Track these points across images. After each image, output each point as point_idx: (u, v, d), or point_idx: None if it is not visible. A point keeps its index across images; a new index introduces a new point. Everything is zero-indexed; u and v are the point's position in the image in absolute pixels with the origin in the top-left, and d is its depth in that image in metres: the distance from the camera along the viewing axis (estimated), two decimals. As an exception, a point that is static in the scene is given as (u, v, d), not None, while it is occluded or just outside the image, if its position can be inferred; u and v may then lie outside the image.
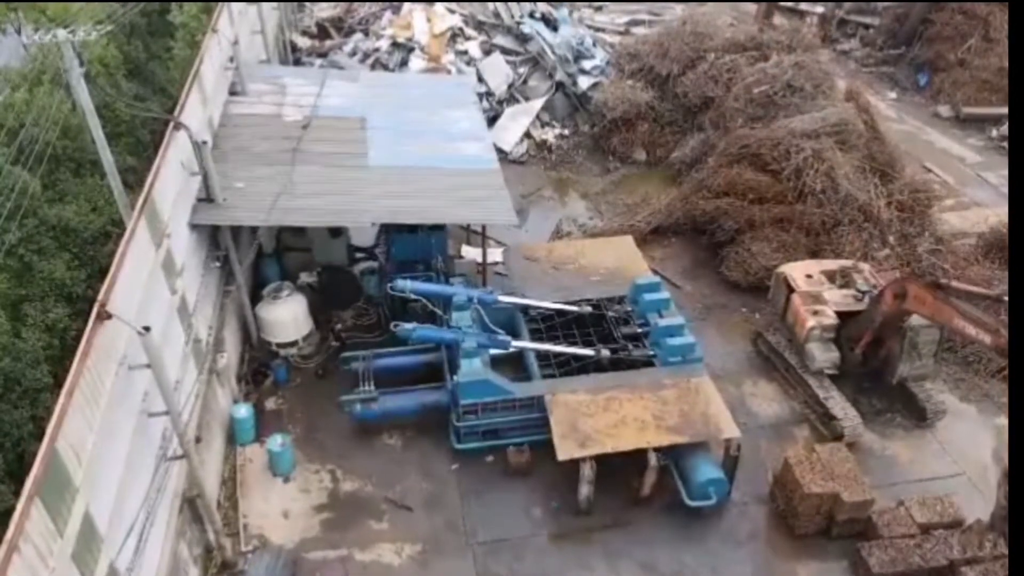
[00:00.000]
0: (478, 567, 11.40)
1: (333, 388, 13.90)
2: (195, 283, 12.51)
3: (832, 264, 15.03)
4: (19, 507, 6.44)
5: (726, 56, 19.79)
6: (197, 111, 14.05)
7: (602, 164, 21.88)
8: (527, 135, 22.57)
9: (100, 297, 8.48)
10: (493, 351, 13.04)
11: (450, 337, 12.53)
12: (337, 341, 14.55)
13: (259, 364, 14.60)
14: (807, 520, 11.54)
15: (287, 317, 14.62)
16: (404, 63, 24.55)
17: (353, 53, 25.26)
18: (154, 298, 10.36)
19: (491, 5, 25.80)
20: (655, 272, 17.19)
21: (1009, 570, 8.39)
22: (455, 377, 12.25)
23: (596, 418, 12.07)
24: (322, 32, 28.54)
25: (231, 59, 16.76)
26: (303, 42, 27.40)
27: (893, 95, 26.27)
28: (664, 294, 14.11)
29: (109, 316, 8.39)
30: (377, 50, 24.80)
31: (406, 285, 13.00)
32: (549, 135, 22.61)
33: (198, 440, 11.38)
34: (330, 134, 16.03)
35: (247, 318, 14.67)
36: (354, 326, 15.17)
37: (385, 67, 24.41)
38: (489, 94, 23.36)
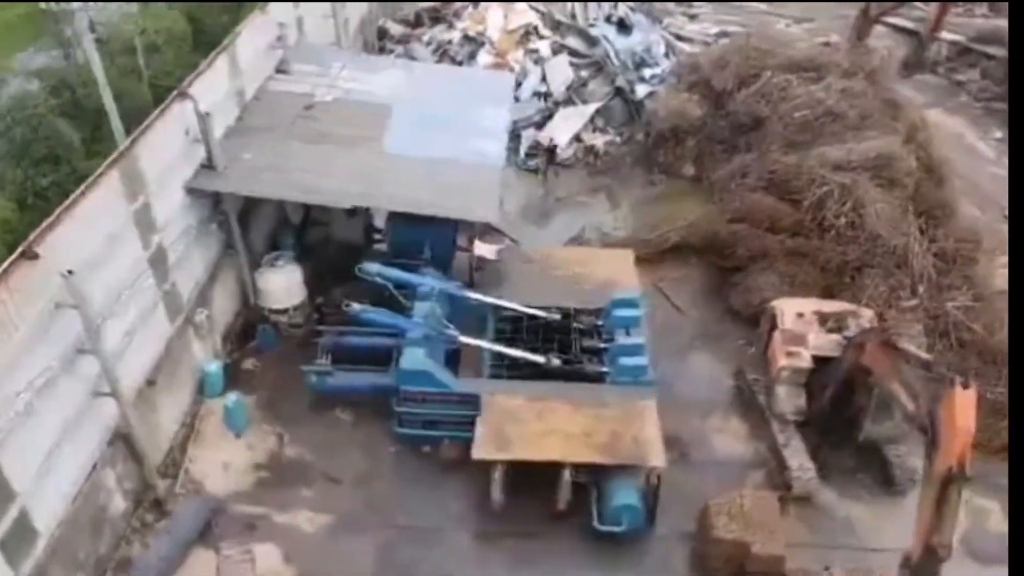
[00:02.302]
0: (382, 549, 11.70)
1: (308, 358, 14.55)
2: (183, 241, 13.45)
3: (831, 306, 14.06)
4: None
5: (782, 75, 18.77)
6: (223, 83, 15.05)
7: (647, 176, 21.37)
8: (577, 139, 22.42)
9: (31, 238, 9.41)
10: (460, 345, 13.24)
11: (397, 324, 12.84)
12: (317, 314, 15.18)
13: (249, 326, 15.49)
14: (717, 567, 11.00)
15: (280, 285, 15.42)
16: (472, 56, 25.02)
17: (428, 43, 25.98)
18: (119, 246, 11.30)
19: (568, 5, 25.77)
20: (661, 292, 16.81)
21: (1009, 570, 8.04)
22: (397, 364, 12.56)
23: (525, 425, 12.02)
24: (418, 21, 29.50)
25: (279, 38, 17.75)
26: (396, 29, 28.39)
27: (999, 135, 23.91)
28: (637, 312, 13.75)
29: (36, 256, 9.31)
30: (450, 42, 25.39)
31: (372, 269, 13.41)
32: (599, 140, 22.36)
33: (152, 383, 12.37)
34: (354, 118, 16.66)
35: (245, 282, 15.59)
36: (339, 303, 15.70)
37: (453, 59, 24.98)
38: (548, 94, 23.41)
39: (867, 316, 13.62)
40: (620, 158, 22.06)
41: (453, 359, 13.67)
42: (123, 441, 11.47)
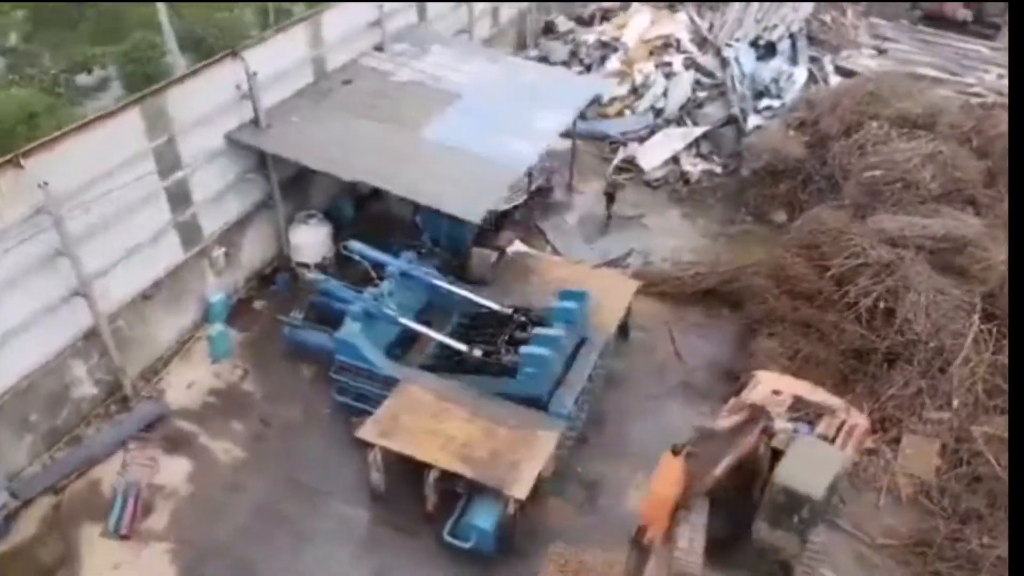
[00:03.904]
0: (269, 493, 12.62)
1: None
2: (216, 183, 15.23)
3: (818, 395, 12.36)
4: None
5: (886, 128, 16.54)
6: (297, 51, 16.62)
7: (732, 214, 19.95)
8: (675, 160, 21.47)
9: (21, 150, 11.41)
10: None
11: (343, 295, 13.56)
12: (320, 270, 16.33)
13: (275, 273, 17.10)
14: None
15: (309, 241, 16.83)
16: (603, 61, 24.79)
17: (568, 43, 26.11)
18: (132, 173, 13.17)
19: (721, 18, 24.51)
20: (669, 333, 15.91)
21: (1009, 570, 7.85)
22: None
23: (419, 420, 12.23)
24: (591, 19, 29.68)
25: (377, 20, 19.04)
26: (564, 25, 28.70)
27: None
28: (576, 306, 13.11)
29: (21, 166, 11.31)
30: (585, 44, 25.33)
31: (355, 247, 14.24)
32: (696, 167, 21.22)
33: (147, 298, 14.31)
34: (411, 102, 17.52)
35: (281, 233, 17.19)
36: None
37: (581, 62, 24.92)
38: (661, 110, 22.62)
39: (857, 420, 11.88)
40: (712, 190, 20.77)
41: (406, 343, 14.12)
42: (102, 336, 13.41)
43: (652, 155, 21.51)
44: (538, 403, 12.65)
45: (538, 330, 12.61)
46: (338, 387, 13.78)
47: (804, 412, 12.04)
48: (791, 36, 24.13)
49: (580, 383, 12.94)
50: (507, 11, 26.24)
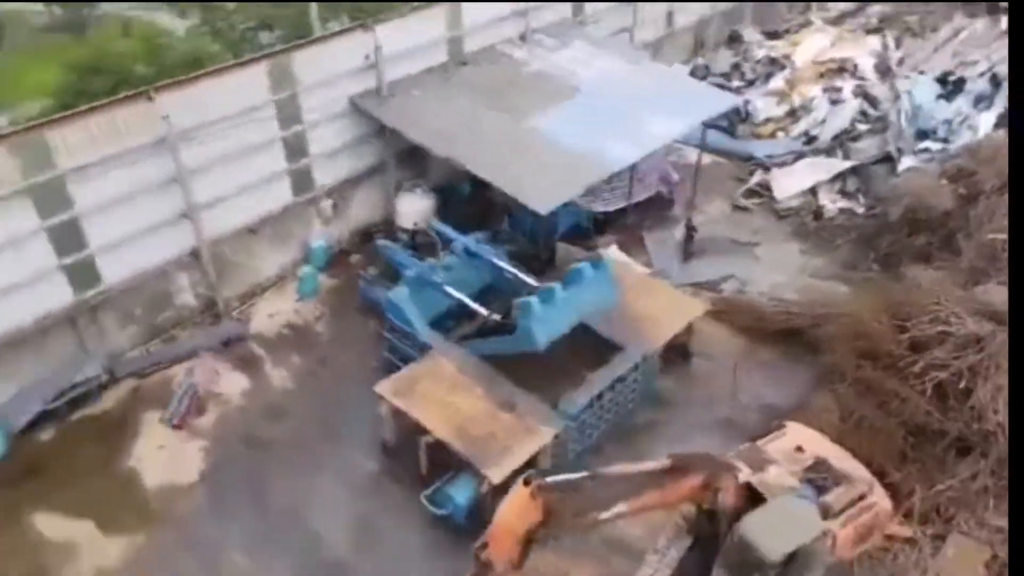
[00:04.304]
0: (301, 424, 13.88)
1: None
2: (334, 141, 16.76)
3: (846, 464, 11.24)
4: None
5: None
6: (434, 31, 17.71)
7: (858, 260, 18.24)
8: (813, 192, 20.05)
9: (155, 85, 13.43)
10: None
11: (400, 260, 14.44)
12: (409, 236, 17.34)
13: (376, 231, 18.42)
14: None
15: (410, 208, 17.93)
16: (768, 78, 23.62)
17: (736, 55, 25.10)
18: (252, 118, 14.94)
19: (900, 52, 22.36)
20: (734, 368, 15.16)
21: (1009, 570, 7.67)
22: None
23: (435, 387, 12.77)
24: (784, 34, 28.35)
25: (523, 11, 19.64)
26: (752, 36, 27.62)
27: None
28: (595, 272, 12.97)
29: (151, 99, 13.33)
30: (752, 58, 24.22)
31: (385, 248, 15.12)
32: (834, 203, 19.66)
33: (252, 232, 16.17)
34: (531, 91, 17.97)
35: (390, 197, 18.47)
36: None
37: (742, 76, 23.88)
38: (814, 138, 21.21)
39: (879, 500, 10.73)
40: (844, 229, 19.12)
41: (459, 318, 14.69)
42: (201, 255, 15.40)
43: (789, 183, 20.24)
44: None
45: (541, 283, 12.71)
46: (388, 345, 14.71)
47: (823, 476, 11.03)
48: (993, 76, 21.39)
49: (601, 386, 12.80)
50: (685, 16, 25.71)
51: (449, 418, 12.24)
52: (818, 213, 19.50)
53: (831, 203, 19.58)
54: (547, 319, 12.34)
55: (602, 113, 17.38)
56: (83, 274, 13.91)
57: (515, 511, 7.58)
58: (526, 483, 7.59)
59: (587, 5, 21.74)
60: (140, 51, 20.41)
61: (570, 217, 18.05)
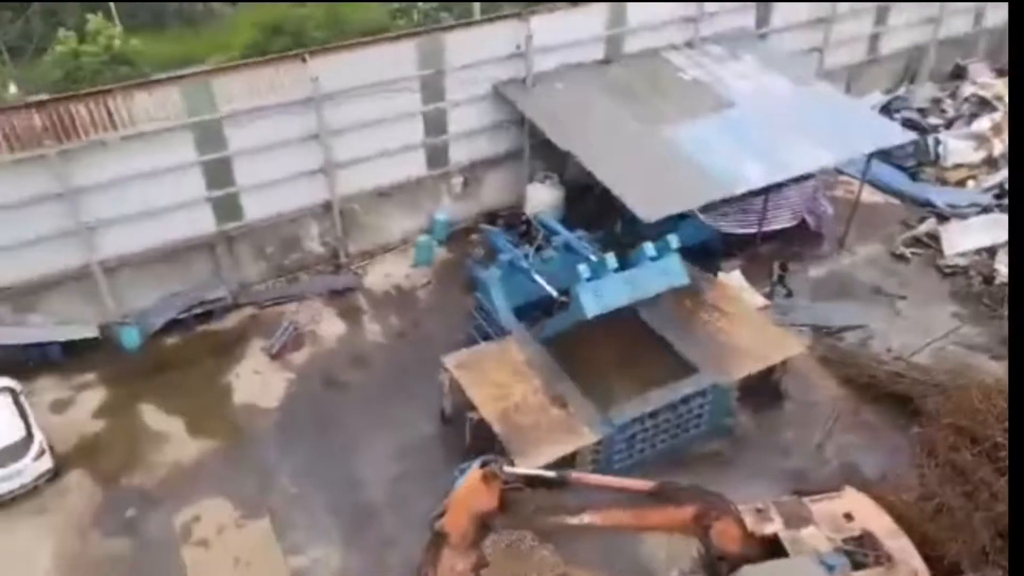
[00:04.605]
0: (378, 378, 14.75)
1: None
2: (470, 121, 17.47)
3: (898, 542, 9.99)
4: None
5: None
6: (593, 27, 17.86)
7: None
8: (989, 253, 17.71)
9: (309, 50, 14.82)
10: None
11: (500, 245, 14.81)
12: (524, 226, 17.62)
13: (503, 215, 18.89)
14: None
15: (539, 197, 18.32)
16: (972, 119, 21.11)
17: (943, 90, 22.60)
18: (396, 89, 16.00)
19: None
20: (828, 422, 14.01)
21: (1009, 570, 8.06)
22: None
23: (498, 369, 12.95)
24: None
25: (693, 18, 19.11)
26: (978, 74, 24.85)
27: None
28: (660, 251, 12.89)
29: (305, 60, 14.74)
30: (959, 96, 21.69)
31: (487, 231, 15.49)
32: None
33: (384, 195, 17.35)
34: (684, 101, 17.48)
35: (522, 184, 18.88)
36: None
37: (943, 113, 21.47)
38: (1004, 192, 18.71)
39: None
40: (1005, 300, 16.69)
41: (549, 309, 14.74)
42: (334, 208, 16.79)
43: (963, 238, 18.02)
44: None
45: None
46: (475, 323, 15.16)
47: (863, 552, 9.91)
48: None
49: (657, 404, 12.37)
50: (893, 41, 23.60)
51: (499, 401, 12.43)
52: (989, 277, 17.18)
53: (1006, 268, 17.11)
54: (599, 290, 12.41)
55: (747, 131, 16.56)
56: (227, 208, 15.75)
57: (468, 490, 7.64)
58: (483, 465, 7.62)
59: (776, 18, 20.67)
60: (321, 18, 22.45)
61: (695, 232, 17.28)
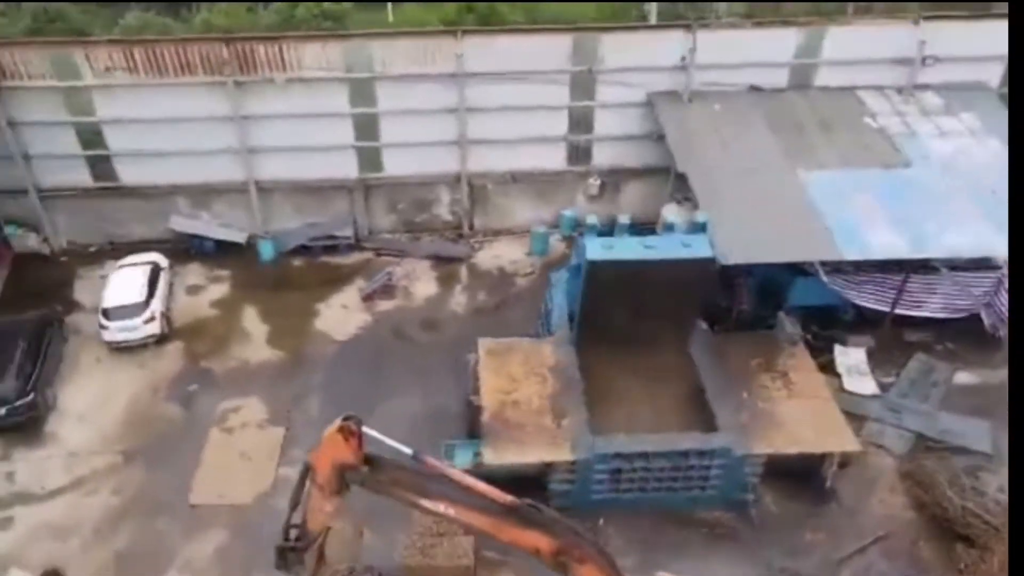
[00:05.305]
0: (440, 344, 15.55)
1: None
2: (617, 126, 17.30)
3: None
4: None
5: None
6: (774, 49, 16.60)
7: None
8: None
9: (461, 30, 15.78)
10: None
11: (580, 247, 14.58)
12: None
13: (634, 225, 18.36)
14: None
15: (667, 217, 17.60)
16: None
17: None
18: (543, 81, 16.41)
19: None
20: (877, 534, 12.22)
21: (1009, 570, 8.07)
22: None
23: (520, 364, 13.22)
24: None
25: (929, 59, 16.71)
26: None
27: None
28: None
29: (457, 38, 15.75)
30: None
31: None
32: None
33: (515, 180, 17.97)
34: (851, 147, 15.63)
35: (661, 201, 18.14)
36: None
37: None
38: None
39: None
40: None
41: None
42: (462, 181, 17.77)
43: None
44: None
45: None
46: (541, 319, 15.26)
47: None
48: None
49: (650, 447, 11.67)
50: None
51: (503, 392, 12.58)
52: None
53: None
54: (610, 244, 12.45)
55: (907, 196, 14.46)
56: (370, 159, 17.48)
57: (328, 439, 8.00)
58: (344, 419, 7.94)
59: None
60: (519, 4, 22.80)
61: (821, 294, 15.42)
